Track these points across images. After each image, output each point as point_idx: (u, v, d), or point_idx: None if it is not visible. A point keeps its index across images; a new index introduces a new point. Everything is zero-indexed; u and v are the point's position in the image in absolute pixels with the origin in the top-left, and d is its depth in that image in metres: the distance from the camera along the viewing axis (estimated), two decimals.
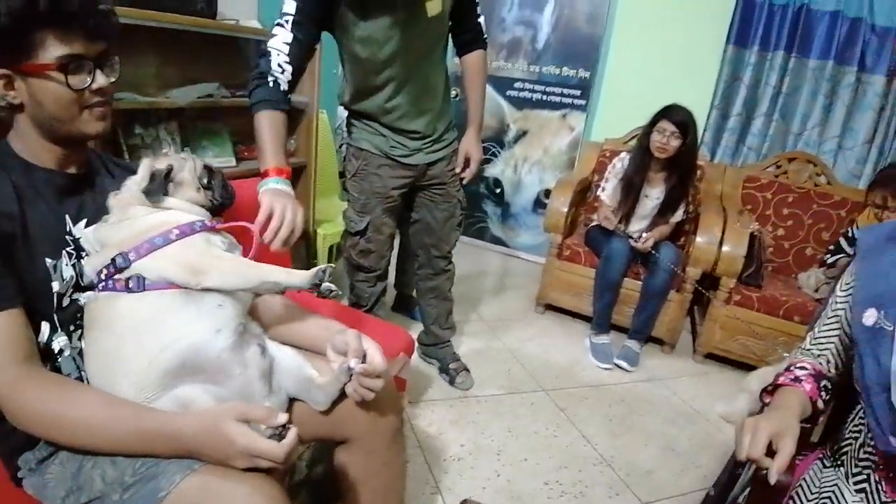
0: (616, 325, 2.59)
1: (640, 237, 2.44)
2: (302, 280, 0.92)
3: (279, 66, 1.38)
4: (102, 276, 0.85)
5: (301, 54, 1.41)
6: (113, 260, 0.84)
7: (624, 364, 2.40)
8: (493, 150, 3.62)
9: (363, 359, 0.93)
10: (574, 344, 2.59)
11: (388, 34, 1.51)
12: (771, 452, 0.79)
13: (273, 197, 1.15)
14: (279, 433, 0.74)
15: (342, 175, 1.88)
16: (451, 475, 1.66)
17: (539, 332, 2.68)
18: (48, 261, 0.85)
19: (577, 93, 3.29)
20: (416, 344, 2.17)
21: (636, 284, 2.53)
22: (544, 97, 3.40)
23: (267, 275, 0.90)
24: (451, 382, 2.11)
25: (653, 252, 2.41)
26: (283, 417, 0.75)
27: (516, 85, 3.46)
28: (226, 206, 1.04)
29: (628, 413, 2.09)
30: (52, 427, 0.77)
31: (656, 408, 2.16)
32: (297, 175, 2.49)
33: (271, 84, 1.37)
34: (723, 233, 2.42)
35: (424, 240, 1.95)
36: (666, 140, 2.35)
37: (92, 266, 0.86)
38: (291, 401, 0.99)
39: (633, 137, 2.87)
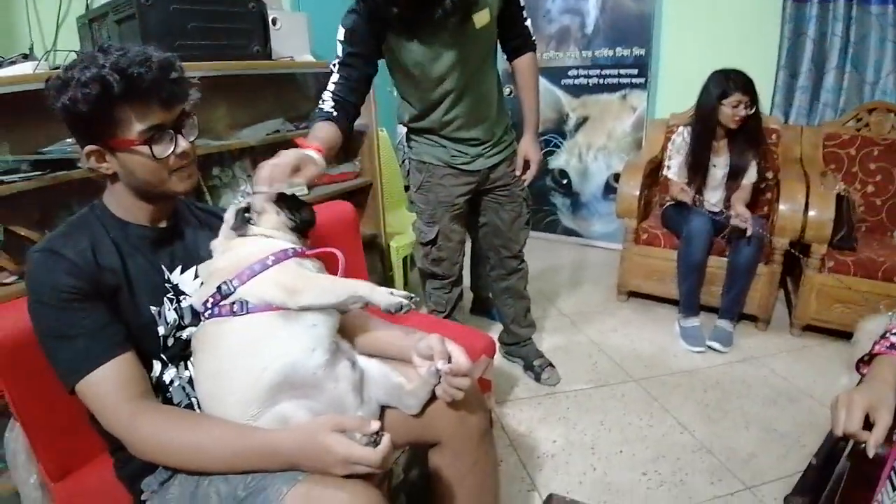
0: (705, 306, 2.48)
1: (722, 212, 2.35)
2: (382, 299, 0.95)
3: (331, 108, 1.45)
4: (209, 305, 0.93)
5: (350, 91, 1.48)
6: (219, 288, 0.93)
7: (717, 345, 2.31)
8: (555, 141, 3.58)
9: (448, 360, 0.98)
10: (661, 330, 2.51)
11: (439, 52, 1.55)
12: (869, 426, 0.75)
13: (289, 153, 1.12)
14: (374, 440, 0.78)
15: (408, 188, 1.94)
16: (546, 472, 1.66)
17: (623, 321, 2.62)
18: (152, 308, 0.95)
19: (635, 71, 3.21)
20: (498, 344, 2.20)
21: (721, 261, 2.42)
22: (601, 81, 3.34)
23: (354, 289, 0.95)
24: (537, 379, 2.11)
25: (729, 218, 2.32)
26: (375, 425, 0.80)
27: (570, 73, 3.41)
28: (309, 224, 1.09)
29: (725, 396, 2.01)
30: (168, 454, 0.85)
31: (754, 389, 2.06)
32: (364, 194, 2.58)
33: (317, 112, 1.46)
34: (807, 198, 2.28)
35: (494, 241, 1.97)
36: (742, 111, 2.26)
37: (200, 297, 0.95)
38: (382, 409, 1.03)
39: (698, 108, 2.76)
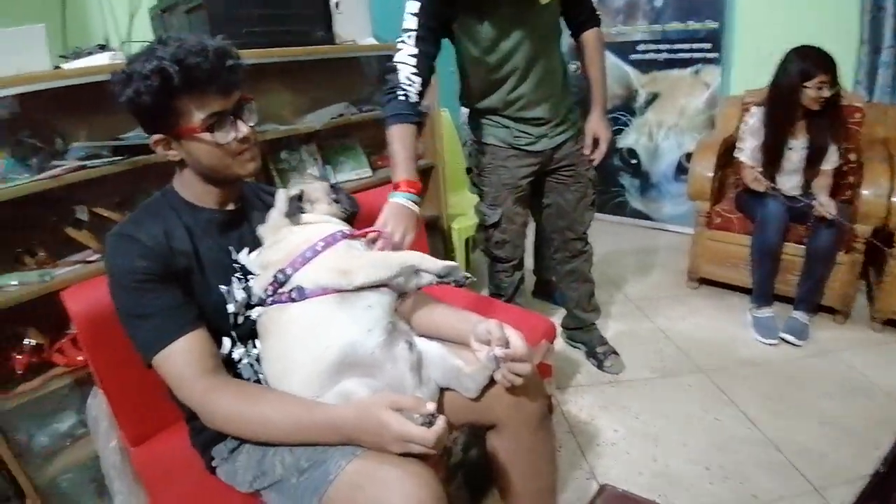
0: (780, 296, 2.34)
1: (799, 198, 2.21)
2: (433, 265, 1.00)
3: (408, 78, 1.46)
4: (269, 293, 0.97)
5: (426, 66, 1.48)
6: (275, 277, 0.97)
7: (791, 338, 2.17)
8: (624, 119, 3.45)
9: (506, 345, 0.97)
10: (732, 319, 2.39)
11: (505, 30, 1.53)
12: None
13: (393, 214, 1.24)
14: (429, 420, 0.80)
15: (469, 171, 1.92)
16: (606, 460, 1.63)
17: (692, 309, 2.52)
18: (222, 287, 1.00)
19: (708, 46, 3.03)
20: (561, 329, 2.17)
21: (798, 249, 2.26)
22: (672, 55, 3.18)
23: (404, 259, 0.99)
24: (600, 367, 2.07)
25: (810, 204, 2.16)
26: (431, 406, 0.81)
27: (639, 48, 3.27)
28: (355, 214, 1.14)
29: (797, 391, 1.89)
30: (238, 425, 0.90)
31: (829, 384, 1.93)
32: (426, 175, 2.58)
33: (402, 97, 1.45)
34: (892, 181, 2.09)
35: (558, 223, 1.93)
36: (825, 92, 2.10)
37: (259, 285, 0.99)
38: (441, 390, 1.04)
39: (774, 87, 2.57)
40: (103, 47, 1.71)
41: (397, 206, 1.28)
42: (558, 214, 1.91)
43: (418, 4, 1.47)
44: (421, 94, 1.49)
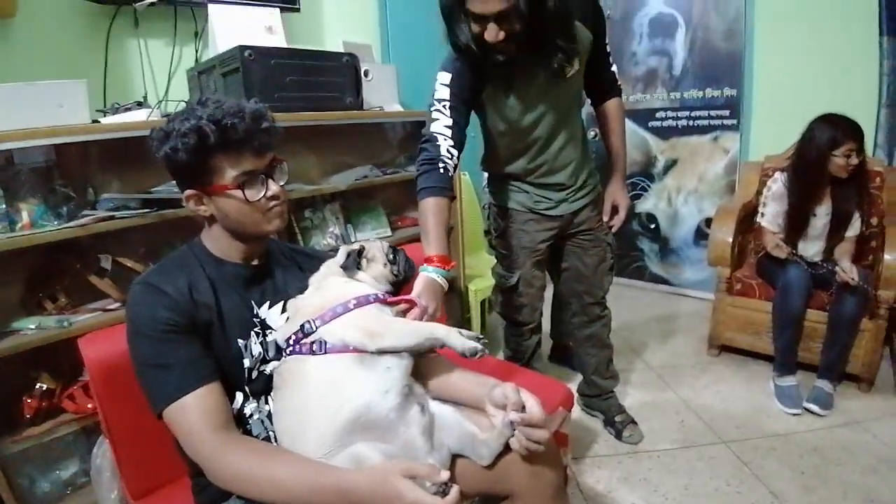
0: (803, 364, 2.27)
1: (822, 264, 2.18)
2: (458, 342, 0.98)
3: (448, 151, 1.45)
4: (291, 342, 0.98)
5: (461, 137, 1.49)
6: (301, 327, 0.97)
7: (815, 408, 2.09)
8: (643, 184, 3.49)
9: (522, 410, 0.95)
10: (755, 388, 2.32)
11: (532, 102, 1.57)
12: None
13: (425, 290, 1.23)
14: (443, 490, 0.78)
15: (487, 233, 1.93)
16: None
17: (714, 377, 2.45)
18: (240, 341, 1.00)
19: (726, 112, 3.09)
20: (578, 396, 2.11)
21: (822, 315, 2.21)
22: (690, 122, 3.24)
23: (431, 332, 0.99)
24: (618, 437, 2.00)
25: (832, 271, 2.13)
26: (445, 475, 0.80)
27: (658, 115, 3.34)
28: (408, 279, 1.16)
29: (823, 463, 1.81)
30: (247, 484, 0.88)
31: (855, 455, 1.84)
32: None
33: (441, 170, 1.43)
34: None
35: (576, 287, 1.91)
36: (854, 160, 2.11)
37: (283, 333, 1.00)
38: (454, 457, 1.01)
39: (797, 154, 2.58)
40: (141, 104, 1.80)
41: (430, 281, 1.27)
42: (576, 278, 1.89)
43: (449, 76, 1.48)
44: (455, 168, 1.48)
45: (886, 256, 2.11)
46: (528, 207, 1.75)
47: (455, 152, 1.46)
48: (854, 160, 2.11)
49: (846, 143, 2.09)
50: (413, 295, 1.19)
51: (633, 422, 2.02)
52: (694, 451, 1.92)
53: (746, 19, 2.93)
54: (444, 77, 1.49)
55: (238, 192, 0.94)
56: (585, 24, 1.55)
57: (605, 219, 1.81)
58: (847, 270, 2.09)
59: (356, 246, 1.11)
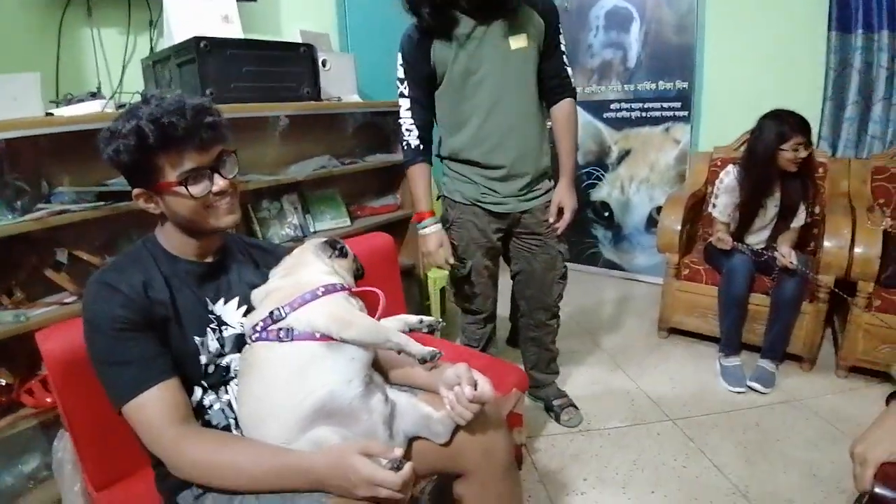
0: (748, 345, 2.42)
1: (764, 251, 2.32)
2: (415, 351, 1.04)
3: (407, 130, 1.74)
4: (258, 329, 0.99)
5: (422, 111, 1.74)
6: (271, 313, 0.99)
7: (758, 386, 2.22)
8: (597, 174, 3.58)
9: (475, 387, 1.01)
10: (702, 368, 2.44)
11: (478, 62, 1.63)
12: None
13: (432, 239, 1.75)
14: (396, 465, 0.83)
15: (444, 222, 1.94)
16: None
17: (663, 358, 2.57)
18: (196, 338, 1.02)
19: (678, 104, 3.20)
20: None
21: (764, 299, 2.35)
22: (643, 114, 3.34)
23: (393, 337, 1.02)
24: (557, 420, 2.05)
25: (774, 257, 2.27)
26: (399, 451, 0.86)
27: (612, 106, 3.43)
28: (360, 278, 1.21)
29: (764, 439, 1.93)
30: (208, 472, 0.91)
31: (796, 431, 1.97)
32: (404, 225, 2.65)
33: (405, 146, 1.76)
34: (853, 233, 2.20)
35: (525, 291, 1.94)
36: (801, 153, 2.22)
37: (252, 319, 1.02)
38: (410, 441, 1.06)
39: (743, 143, 2.71)
40: (95, 95, 1.77)
41: (433, 232, 1.76)
42: (525, 282, 1.92)
43: (401, 55, 1.68)
44: (424, 139, 1.74)
45: (826, 243, 2.23)
46: (474, 199, 1.77)
47: (414, 129, 1.73)
48: (802, 153, 2.21)
49: (794, 138, 2.20)
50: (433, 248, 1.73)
51: (573, 405, 2.08)
52: (643, 428, 2.03)
53: (698, 14, 3.03)
54: (400, 57, 1.69)
55: (182, 189, 0.94)
56: (535, 9, 1.64)
57: (552, 220, 1.80)
58: (786, 255, 2.22)
59: (329, 238, 1.15)
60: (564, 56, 1.76)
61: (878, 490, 0.73)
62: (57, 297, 1.57)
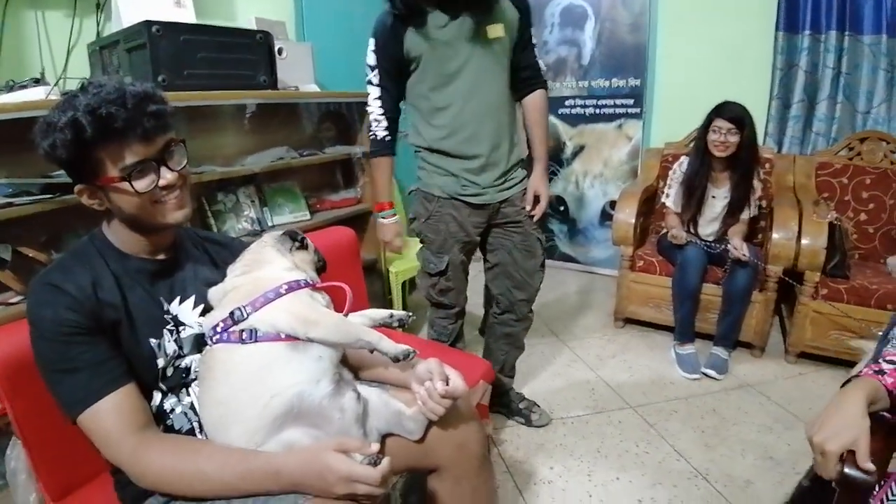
0: (701, 333, 2.51)
1: (716, 244, 2.42)
2: (390, 348, 1.00)
3: (375, 120, 1.71)
4: (219, 329, 0.94)
5: (391, 101, 1.70)
6: (231, 313, 0.94)
7: (712, 372, 2.32)
8: (553, 168, 3.63)
9: (447, 382, 1.00)
10: (658, 357, 2.53)
11: (455, 48, 1.60)
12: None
13: (391, 229, 1.82)
14: (374, 460, 0.82)
15: (413, 219, 1.84)
16: (543, 498, 1.66)
17: (621, 347, 2.64)
18: (152, 341, 0.96)
19: (630, 101, 3.28)
20: None
21: (716, 289, 2.45)
22: (597, 111, 3.41)
23: (364, 335, 0.98)
24: (528, 423, 2.02)
25: (726, 249, 2.37)
26: (375, 447, 0.84)
27: (567, 103, 3.49)
28: (323, 271, 1.16)
29: (721, 423, 2.02)
30: (172, 483, 0.86)
31: (751, 415, 2.06)
32: (365, 219, 2.62)
33: (372, 137, 1.73)
34: (800, 226, 2.32)
35: (506, 283, 1.87)
36: (724, 138, 2.32)
37: (211, 320, 0.96)
38: (382, 438, 1.04)
39: (693, 139, 2.82)
40: (38, 81, 1.66)
41: (390, 223, 1.82)
42: (507, 274, 1.86)
43: (373, 41, 1.64)
44: (391, 130, 1.72)
45: (774, 235, 2.35)
46: (455, 193, 1.73)
47: (383, 119, 1.70)
48: (726, 138, 2.31)
49: (716, 121, 2.32)
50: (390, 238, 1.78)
51: (536, 404, 2.07)
52: (604, 415, 2.08)
53: (651, 13, 3.12)
54: (371, 43, 1.65)
55: (126, 185, 0.86)
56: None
57: (528, 207, 1.81)
58: (738, 247, 2.32)
59: (289, 231, 1.11)
60: (535, 48, 1.78)
61: (847, 471, 0.77)
62: (2, 297, 1.47)
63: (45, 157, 0.86)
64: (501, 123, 1.73)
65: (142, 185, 0.88)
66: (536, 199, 1.82)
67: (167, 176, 0.91)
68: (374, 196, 1.76)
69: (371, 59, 1.66)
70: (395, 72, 1.66)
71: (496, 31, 1.62)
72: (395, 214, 1.82)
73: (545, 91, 1.83)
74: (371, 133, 1.73)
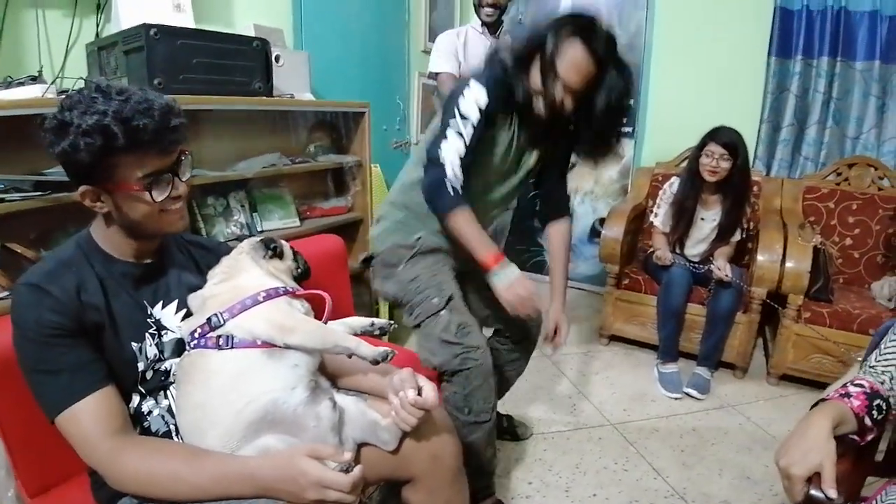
0: (684, 353, 2.53)
1: (701, 265, 2.46)
2: (368, 353, 1.00)
3: (455, 175, 1.40)
4: (196, 335, 0.96)
5: (469, 163, 1.43)
6: (209, 319, 0.96)
7: (694, 392, 2.34)
8: None
9: (419, 392, 1.00)
10: (641, 375, 2.55)
11: (520, 150, 1.56)
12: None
13: (524, 282, 1.42)
14: (346, 468, 0.83)
15: (385, 280, 1.68)
16: None
17: (604, 364, 2.66)
18: (134, 345, 0.97)
19: (623, 121, 3.31)
20: None
21: (701, 309, 2.48)
22: None
23: (342, 341, 0.99)
24: (515, 438, 2.01)
25: (710, 269, 2.40)
26: (349, 455, 0.86)
27: None
28: (305, 278, 1.17)
29: (700, 443, 2.04)
30: (147, 485, 0.87)
31: (730, 436, 2.09)
32: (354, 228, 2.63)
33: (452, 192, 1.40)
34: (785, 249, 2.35)
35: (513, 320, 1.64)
36: (715, 163, 2.35)
37: (188, 326, 0.98)
38: (358, 447, 1.05)
39: (684, 159, 2.86)
40: (35, 79, 1.67)
41: (514, 279, 1.41)
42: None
43: (487, 98, 1.39)
44: (463, 187, 1.42)
45: (759, 257, 2.38)
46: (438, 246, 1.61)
47: (461, 175, 1.41)
48: (718, 164, 2.34)
49: (710, 145, 2.36)
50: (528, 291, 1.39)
51: (512, 417, 2.05)
52: (584, 432, 2.09)
53: (646, 35, 3.17)
54: (481, 94, 1.39)
55: (143, 194, 0.89)
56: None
57: (550, 337, 1.70)
58: (722, 268, 2.35)
59: (265, 237, 1.12)
60: (566, 178, 1.74)
61: (812, 493, 0.78)
62: None
63: (59, 155, 0.85)
64: (504, 233, 1.69)
65: (157, 193, 0.90)
66: (556, 331, 1.70)
67: (180, 187, 0.94)
68: (476, 253, 1.42)
69: (472, 111, 1.39)
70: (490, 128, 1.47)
71: (534, 157, 1.60)
72: (515, 270, 1.44)
73: (570, 223, 1.77)
74: (446, 188, 1.41)
